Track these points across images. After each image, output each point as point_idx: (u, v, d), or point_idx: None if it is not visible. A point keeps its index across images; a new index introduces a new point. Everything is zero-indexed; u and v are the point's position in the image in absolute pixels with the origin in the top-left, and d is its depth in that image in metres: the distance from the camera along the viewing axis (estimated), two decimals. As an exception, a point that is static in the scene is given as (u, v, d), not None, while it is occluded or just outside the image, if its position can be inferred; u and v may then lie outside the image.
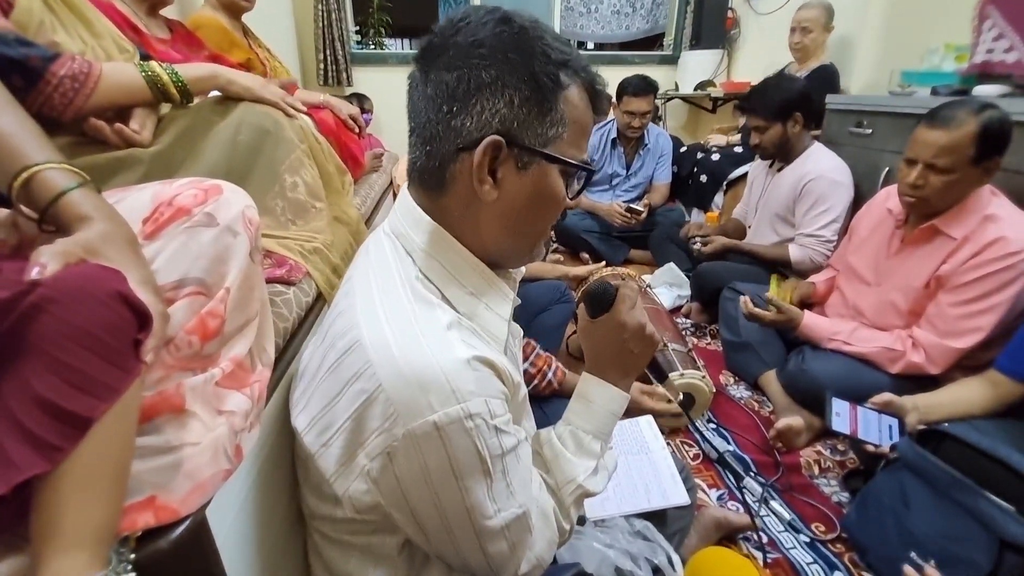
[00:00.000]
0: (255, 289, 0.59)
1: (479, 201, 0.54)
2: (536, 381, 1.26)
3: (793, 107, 1.82)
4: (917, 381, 1.32)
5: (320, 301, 0.88)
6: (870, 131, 1.89)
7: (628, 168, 2.86)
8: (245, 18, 1.76)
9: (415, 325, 0.51)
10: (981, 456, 0.95)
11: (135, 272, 0.42)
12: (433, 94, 0.52)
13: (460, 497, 0.50)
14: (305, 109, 1.14)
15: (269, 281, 0.78)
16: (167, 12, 1.31)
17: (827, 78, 2.39)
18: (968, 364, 1.30)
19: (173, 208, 0.54)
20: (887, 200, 1.50)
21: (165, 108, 0.96)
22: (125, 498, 0.40)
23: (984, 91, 1.60)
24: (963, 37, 1.83)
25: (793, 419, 1.40)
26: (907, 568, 0.82)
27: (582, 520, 0.86)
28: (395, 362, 0.49)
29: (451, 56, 0.51)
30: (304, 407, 0.57)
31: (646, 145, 2.81)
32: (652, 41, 4.13)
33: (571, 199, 0.58)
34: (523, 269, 0.70)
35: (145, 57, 1.03)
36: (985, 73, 1.71)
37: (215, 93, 0.98)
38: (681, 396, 0.74)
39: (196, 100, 0.96)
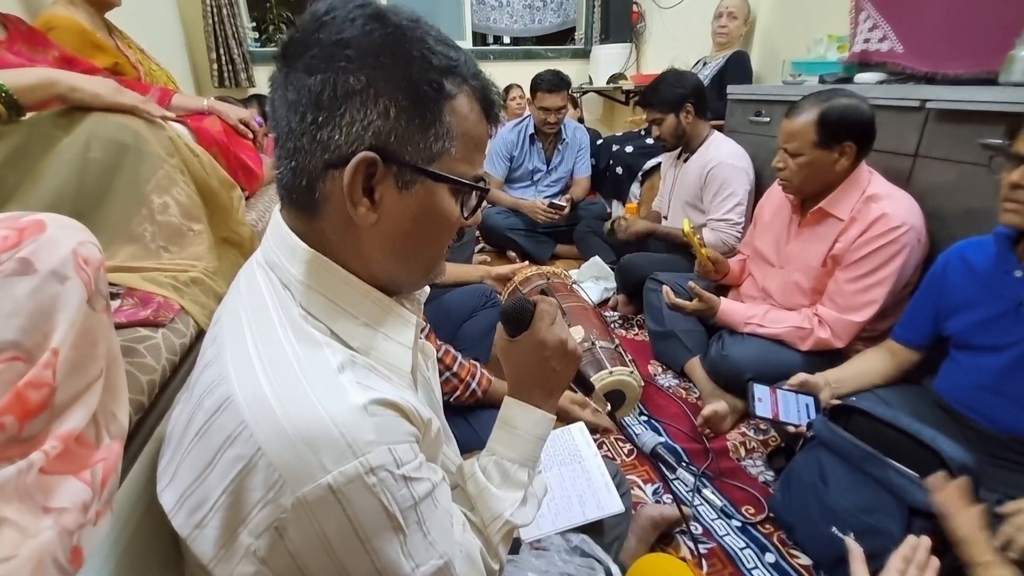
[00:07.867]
0: (98, 344, 0.49)
1: (356, 225, 0.47)
2: (459, 392, 1.20)
3: (684, 99, 1.93)
4: (826, 356, 1.40)
5: (202, 340, 0.77)
6: (768, 119, 1.98)
7: (548, 163, 2.86)
8: (115, 16, 1.53)
9: (299, 372, 0.44)
10: (886, 427, 1.00)
11: None
12: (295, 100, 0.45)
13: (369, 561, 0.44)
14: (172, 115, 1.00)
15: (129, 325, 0.66)
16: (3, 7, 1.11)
17: (742, 62, 2.58)
18: (868, 335, 1.39)
19: None
20: (786, 187, 1.57)
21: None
22: None
23: (863, 79, 1.72)
24: (845, 27, 1.96)
25: (718, 404, 1.44)
26: (850, 542, 0.82)
27: (517, 543, 0.82)
28: (275, 420, 0.41)
29: (313, 57, 0.44)
30: (171, 481, 0.48)
31: (564, 140, 2.82)
32: (567, 35, 4.17)
33: (467, 219, 0.52)
34: (427, 289, 0.64)
35: (-34, 64, 0.87)
36: (864, 62, 1.83)
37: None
38: (609, 406, 0.72)
39: (30, 114, 0.82)
